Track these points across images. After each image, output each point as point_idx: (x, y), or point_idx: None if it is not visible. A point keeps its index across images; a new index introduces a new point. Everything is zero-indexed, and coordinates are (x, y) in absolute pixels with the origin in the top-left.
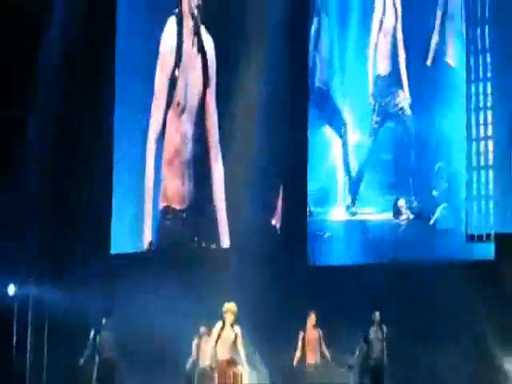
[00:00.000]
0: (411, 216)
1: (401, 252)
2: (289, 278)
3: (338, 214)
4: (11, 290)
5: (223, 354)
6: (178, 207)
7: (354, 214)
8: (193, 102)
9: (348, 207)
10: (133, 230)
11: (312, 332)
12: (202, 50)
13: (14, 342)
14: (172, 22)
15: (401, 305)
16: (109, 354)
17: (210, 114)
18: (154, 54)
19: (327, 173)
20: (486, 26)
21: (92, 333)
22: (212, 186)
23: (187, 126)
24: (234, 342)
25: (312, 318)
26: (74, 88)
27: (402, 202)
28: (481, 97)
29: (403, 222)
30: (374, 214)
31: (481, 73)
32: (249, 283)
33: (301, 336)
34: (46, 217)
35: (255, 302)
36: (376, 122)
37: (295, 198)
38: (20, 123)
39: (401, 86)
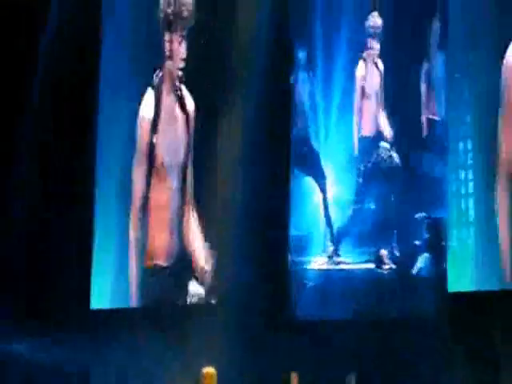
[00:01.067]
0: (393, 266)
1: (384, 303)
2: (271, 333)
3: (319, 263)
4: None
5: None
6: (163, 263)
7: (336, 263)
8: (177, 159)
9: (330, 257)
10: (115, 284)
11: None
12: (183, 109)
13: None
14: (150, 92)
15: (383, 362)
16: None
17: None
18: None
19: (309, 223)
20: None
21: None
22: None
23: (172, 184)
24: None
25: (294, 380)
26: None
27: (383, 252)
28: (462, 154)
29: (386, 272)
30: (356, 263)
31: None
32: (232, 342)
33: None
34: (20, 270)
35: (237, 364)
36: (359, 177)
37: (276, 247)
38: None
39: (385, 143)
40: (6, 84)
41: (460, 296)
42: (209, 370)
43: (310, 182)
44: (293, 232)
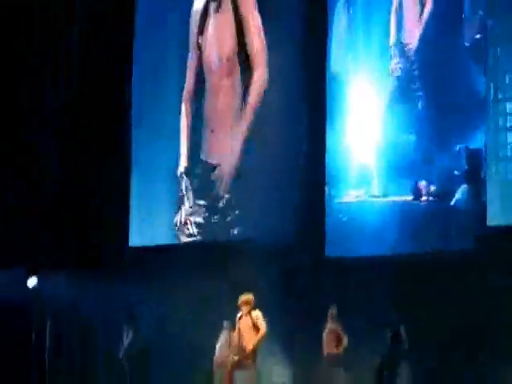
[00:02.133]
0: (431, 198)
1: (421, 236)
2: (308, 268)
3: (356, 196)
4: (30, 282)
5: (247, 345)
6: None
7: (373, 196)
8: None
9: (367, 190)
10: (153, 221)
11: (332, 326)
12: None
13: (33, 335)
14: None
15: (421, 296)
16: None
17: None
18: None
19: (345, 155)
20: None
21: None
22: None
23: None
24: (255, 327)
25: (332, 313)
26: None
27: (421, 184)
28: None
29: (423, 204)
30: (394, 196)
31: None
32: (268, 278)
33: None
34: (63, 209)
35: (273, 300)
36: (394, 103)
37: (312, 182)
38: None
39: (421, 70)
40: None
41: (499, 229)
42: (247, 296)
43: (345, 114)
44: (329, 165)
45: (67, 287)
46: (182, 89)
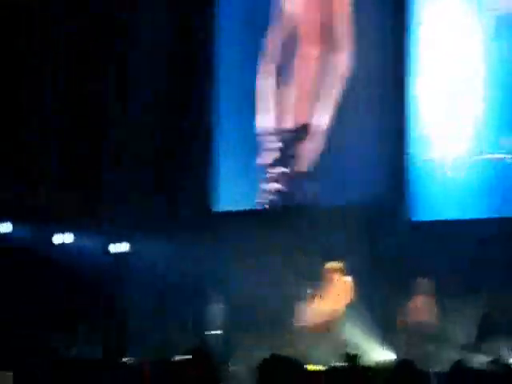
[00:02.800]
0: None
1: None
2: (395, 232)
3: (453, 156)
4: (113, 248)
5: (332, 314)
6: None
7: (475, 154)
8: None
9: (468, 148)
10: (237, 185)
11: (420, 300)
12: None
13: (120, 299)
14: None
15: None
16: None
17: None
18: None
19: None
20: None
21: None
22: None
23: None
24: (341, 297)
25: (423, 284)
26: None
27: None
28: None
29: None
30: (495, 154)
31: None
32: (354, 244)
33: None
34: (146, 174)
35: (363, 260)
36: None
37: (393, 137)
38: None
39: None
40: None
41: None
42: (335, 263)
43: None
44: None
45: (153, 251)
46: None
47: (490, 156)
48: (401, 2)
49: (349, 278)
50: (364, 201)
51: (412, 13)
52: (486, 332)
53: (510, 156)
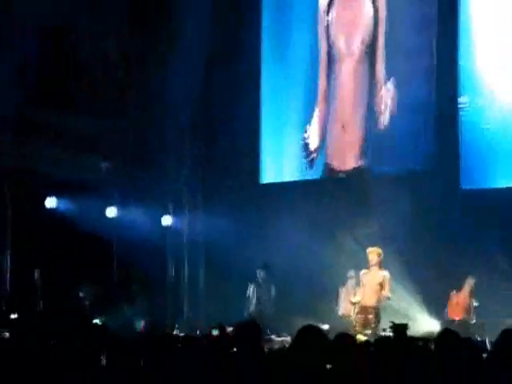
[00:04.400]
0: None
1: None
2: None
3: (498, 102)
4: (165, 220)
5: (369, 300)
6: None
7: None
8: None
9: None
10: (287, 158)
11: (466, 296)
12: None
13: (171, 272)
14: None
15: None
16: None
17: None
18: None
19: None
20: None
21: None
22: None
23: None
24: (381, 286)
25: (469, 284)
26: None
27: None
28: None
29: None
30: None
31: None
32: (400, 210)
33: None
34: (196, 147)
35: (403, 240)
36: None
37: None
38: None
39: None
40: None
41: None
42: (376, 248)
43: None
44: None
45: (201, 224)
46: None
47: None
48: None
49: (386, 273)
50: (415, 169)
51: None
52: None
53: None
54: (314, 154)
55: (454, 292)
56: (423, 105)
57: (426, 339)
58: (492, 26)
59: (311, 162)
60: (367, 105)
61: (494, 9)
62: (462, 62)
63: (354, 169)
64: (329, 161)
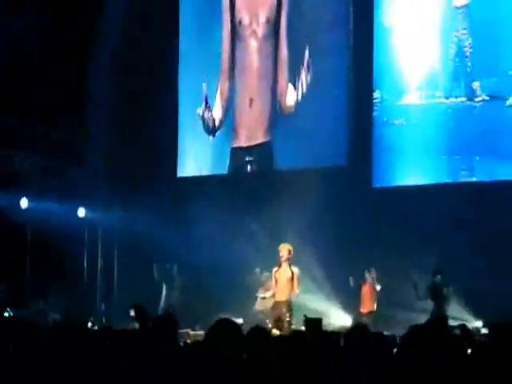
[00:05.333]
0: (486, 98)
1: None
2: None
3: (410, 99)
4: (81, 212)
5: (281, 295)
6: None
7: (427, 97)
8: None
9: (422, 93)
10: (202, 152)
11: (369, 287)
12: None
13: (85, 263)
14: None
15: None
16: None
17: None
18: None
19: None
20: None
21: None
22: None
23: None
24: (291, 282)
25: (371, 275)
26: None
27: (476, 84)
28: None
29: (478, 105)
30: (448, 98)
31: None
32: (310, 212)
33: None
34: (112, 141)
35: (314, 236)
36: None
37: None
38: None
39: None
40: None
41: None
42: (285, 244)
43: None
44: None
45: (117, 217)
46: None
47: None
48: None
49: (296, 269)
50: (326, 164)
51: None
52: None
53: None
54: (218, 124)
55: (361, 286)
56: (336, 98)
57: (338, 334)
58: (406, 24)
59: (213, 133)
60: (272, 87)
61: (408, 7)
62: (378, 57)
63: (262, 144)
64: (236, 134)
